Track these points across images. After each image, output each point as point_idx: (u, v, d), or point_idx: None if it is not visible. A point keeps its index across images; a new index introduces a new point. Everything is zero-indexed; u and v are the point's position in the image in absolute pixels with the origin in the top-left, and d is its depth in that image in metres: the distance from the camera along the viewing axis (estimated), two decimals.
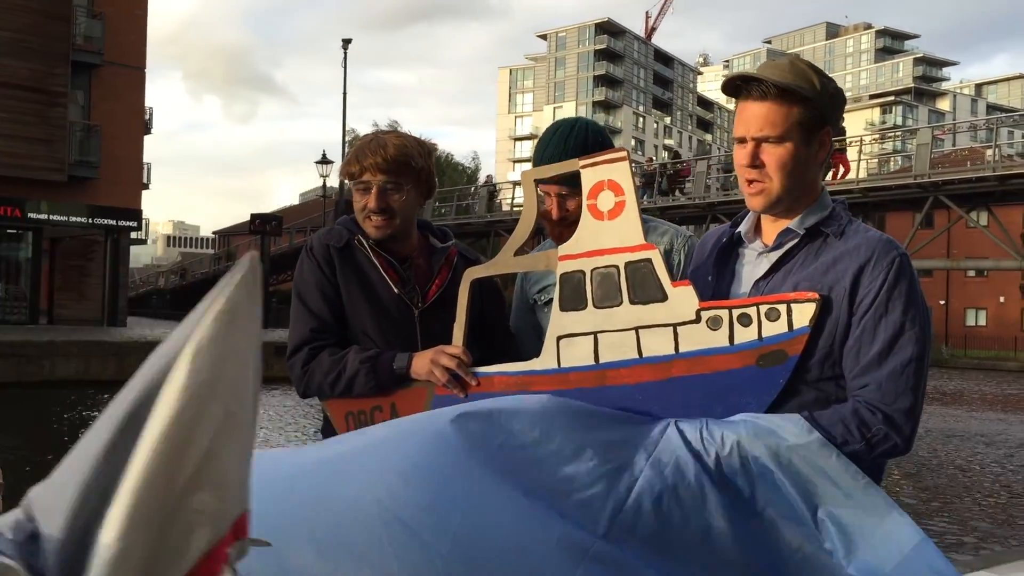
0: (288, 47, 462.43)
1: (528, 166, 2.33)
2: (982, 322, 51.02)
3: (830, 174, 26.89)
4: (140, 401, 0.76)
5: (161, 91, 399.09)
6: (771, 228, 2.01)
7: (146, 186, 35.38)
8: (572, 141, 2.47)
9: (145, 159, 33.44)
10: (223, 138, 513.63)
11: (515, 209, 37.75)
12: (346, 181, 2.51)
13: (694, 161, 37.32)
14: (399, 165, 2.43)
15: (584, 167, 1.94)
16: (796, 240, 1.94)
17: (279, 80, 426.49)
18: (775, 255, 1.96)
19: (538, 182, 2.12)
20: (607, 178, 1.91)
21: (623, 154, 1.91)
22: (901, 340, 1.81)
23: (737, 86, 1.94)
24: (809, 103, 1.90)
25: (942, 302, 51.22)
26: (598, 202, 1.92)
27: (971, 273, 48.43)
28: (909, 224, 27.45)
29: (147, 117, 34.70)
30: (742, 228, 2.06)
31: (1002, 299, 50.31)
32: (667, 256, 2.56)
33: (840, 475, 1.68)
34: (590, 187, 1.93)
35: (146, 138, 33.40)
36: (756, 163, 1.91)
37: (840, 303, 1.83)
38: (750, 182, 1.94)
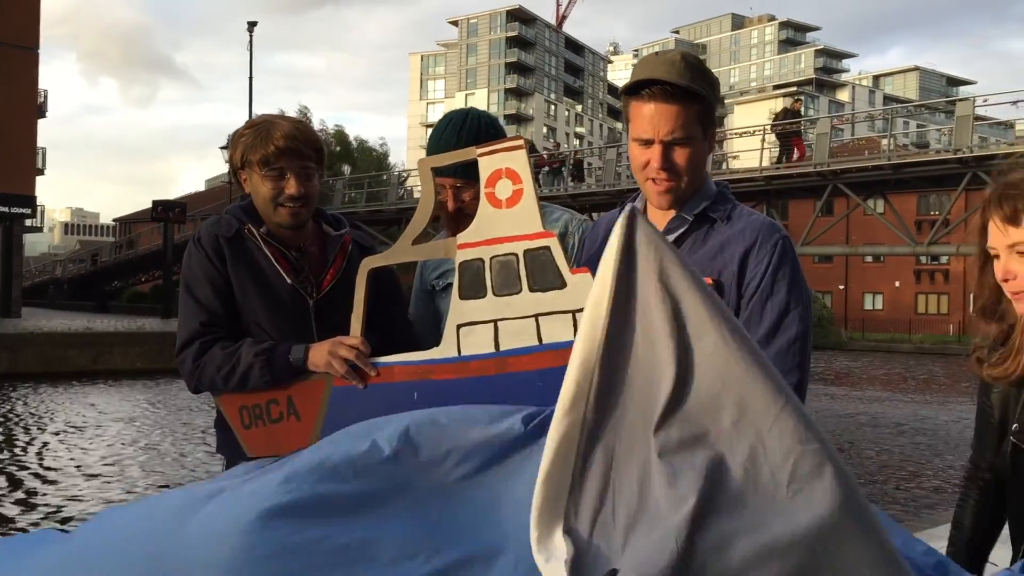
0: (188, 29, 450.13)
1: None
2: (879, 306, 53.01)
3: (784, 156, 27.29)
4: None
5: (54, 73, 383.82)
6: (660, 215, 2.04)
7: (41, 172, 34.05)
8: (465, 131, 2.46)
9: (40, 144, 32.19)
10: (122, 122, 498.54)
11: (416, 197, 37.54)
12: (248, 166, 2.38)
13: (604, 149, 37.73)
14: (315, 150, 2.39)
15: (481, 155, 1.92)
16: (686, 227, 1.97)
17: (180, 63, 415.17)
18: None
19: (435, 171, 2.09)
20: (505, 166, 1.89)
21: (520, 142, 1.90)
22: (786, 320, 1.88)
23: (640, 86, 1.96)
24: (705, 101, 1.95)
25: (841, 287, 53.03)
26: (496, 190, 1.90)
27: (868, 259, 50.23)
28: (810, 211, 28.24)
29: (41, 100, 33.34)
30: None
31: (897, 284, 52.36)
32: (561, 239, 2.59)
33: None
34: (488, 175, 1.91)
35: (40, 122, 32.12)
36: (667, 165, 1.95)
37: (730, 287, 1.88)
38: (656, 181, 1.97)
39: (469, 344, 1.92)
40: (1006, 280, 1.93)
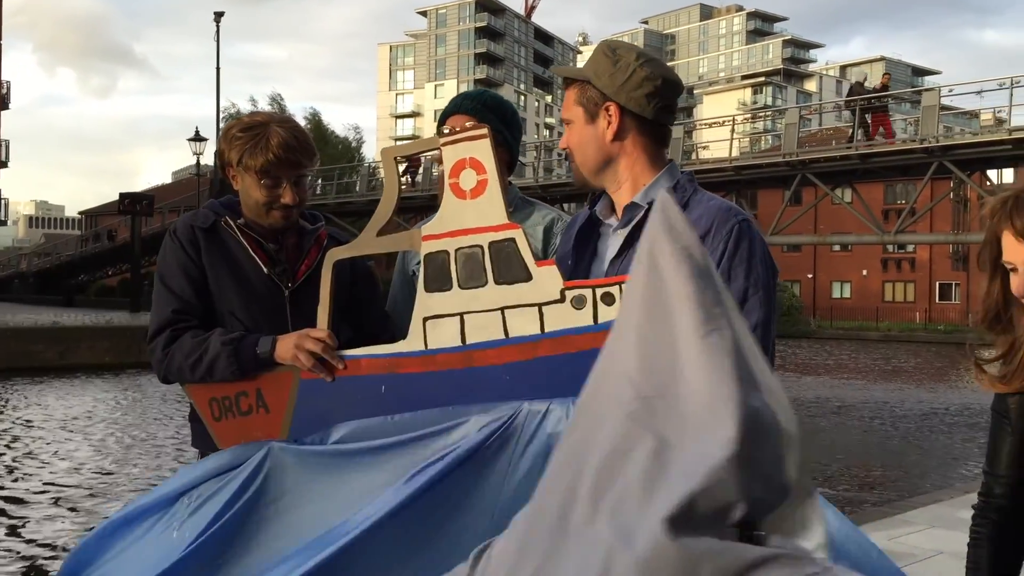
0: (146, 18, 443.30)
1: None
2: (847, 294, 53.51)
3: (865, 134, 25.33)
4: None
5: (12, 64, 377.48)
6: (620, 204, 2.05)
7: (4, 164, 33.54)
8: (486, 97, 2.65)
9: (2, 135, 31.72)
10: (82, 113, 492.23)
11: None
12: (242, 168, 2.36)
13: None
14: (310, 156, 2.40)
15: (445, 144, 1.92)
16: (642, 214, 1.96)
17: (138, 53, 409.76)
18: (625, 231, 2.00)
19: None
20: (469, 156, 1.89)
21: (484, 131, 1.89)
22: (746, 306, 1.86)
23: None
24: (586, 85, 2.00)
25: (810, 275, 53.48)
26: (460, 180, 1.89)
27: (836, 248, 50.70)
28: (779, 201, 28.43)
29: (4, 92, 32.84)
30: (598, 207, 2.09)
31: (865, 272, 52.89)
32: (546, 235, 2.63)
33: None
34: (452, 165, 1.90)
35: (3, 114, 31.63)
36: (563, 145, 2.08)
37: None
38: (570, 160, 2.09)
39: (435, 337, 1.92)
40: None
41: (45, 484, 9.75)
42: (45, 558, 7.12)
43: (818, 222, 44.70)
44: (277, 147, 2.32)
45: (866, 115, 25.52)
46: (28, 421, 14.17)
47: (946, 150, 23.95)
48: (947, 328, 43.94)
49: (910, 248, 49.54)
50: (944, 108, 26.49)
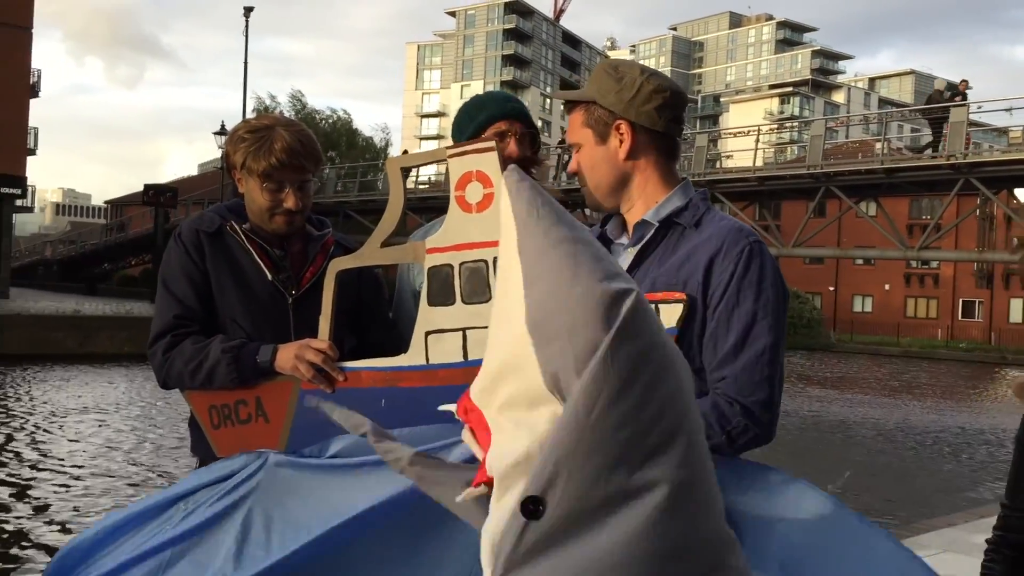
0: (174, 9, 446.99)
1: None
2: (868, 308, 53.12)
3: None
4: None
5: (42, 52, 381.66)
6: (631, 222, 2.01)
7: (32, 151, 33.84)
8: (514, 102, 2.57)
9: (31, 123, 31.99)
10: (109, 103, 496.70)
11: (419, 187, 37.46)
12: (246, 171, 2.34)
13: None
14: (315, 162, 2.37)
15: (451, 156, 1.88)
16: (652, 232, 1.93)
17: (166, 44, 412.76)
18: (635, 250, 1.96)
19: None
20: (475, 168, 1.85)
21: (491, 144, 1.86)
22: (754, 331, 1.81)
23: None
24: (592, 106, 1.95)
25: (831, 288, 53.15)
26: (466, 193, 1.86)
27: (859, 261, 50.32)
28: (803, 212, 28.24)
29: (34, 80, 33.13)
30: (608, 226, 2.05)
31: (887, 287, 52.48)
32: None
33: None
34: (458, 178, 1.87)
35: (32, 102, 31.91)
36: (572, 169, 2.02)
37: (695, 296, 1.82)
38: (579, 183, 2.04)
39: (437, 352, 1.89)
40: None
41: (51, 471, 9.80)
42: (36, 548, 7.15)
43: (841, 235, 44.44)
44: (281, 151, 2.29)
45: (943, 124, 24.51)
46: (43, 408, 14.27)
47: (973, 167, 23.69)
48: (969, 346, 43.56)
49: (934, 264, 49.12)
50: (973, 124, 26.19)
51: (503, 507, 1.04)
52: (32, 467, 10.10)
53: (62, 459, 10.53)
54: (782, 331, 1.86)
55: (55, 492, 8.98)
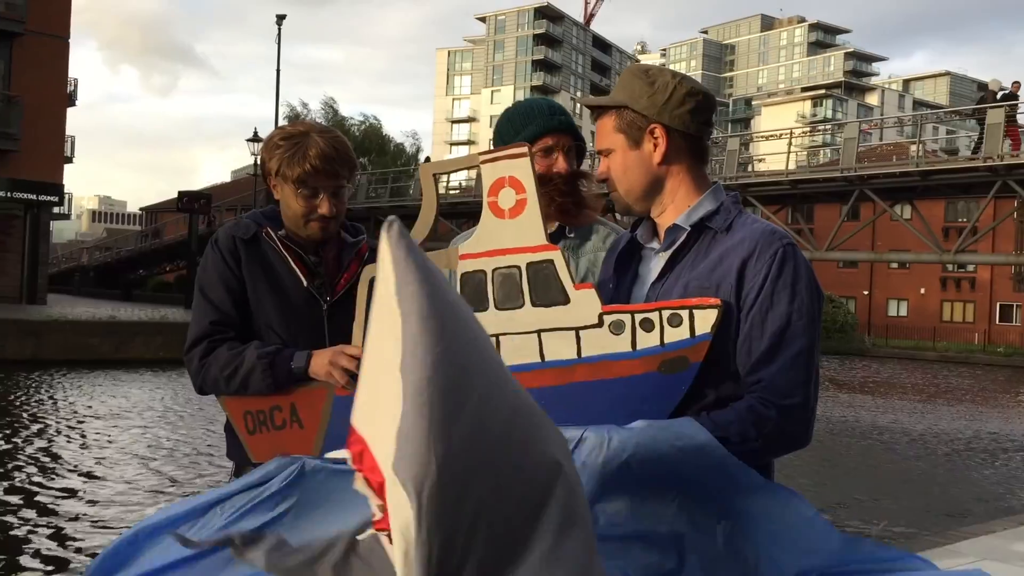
0: (207, 18, 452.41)
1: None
2: (903, 312, 52.48)
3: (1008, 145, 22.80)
4: None
5: (77, 61, 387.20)
6: (663, 227, 2.00)
7: (69, 160, 34.32)
8: (561, 115, 2.54)
9: (68, 132, 32.45)
10: (144, 111, 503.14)
11: (450, 192, 37.57)
12: (281, 178, 2.36)
13: None
14: (349, 168, 2.39)
15: (484, 162, 1.88)
16: (684, 237, 1.92)
17: (199, 52, 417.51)
18: (667, 255, 1.95)
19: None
20: (508, 175, 1.85)
21: (524, 150, 1.86)
22: (788, 333, 1.79)
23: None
24: (624, 111, 1.95)
25: (866, 292, 52.58)
26: (499, 199, 1.86)
27: (894, 265, 49.71)
28: (836, 216, 27.99)
29: (71, 89, 33.62)
30: (639, 231, 2.05)
31: (923, 291, 51.82)
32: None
33: (738, 474, 1.67)
34: (490, 184, 1.87)
35: (69, 111, 32.38)
36: (602, 175, 2.03)
37: (728, 300, 1.81)
38: (608, 189, 2.05)
39: None
40: None
41: (84, 477, 9.92)
42: (78, 552, 7.24)
43: (876, 238, 43.93)
44: (315, 157, 2.31)
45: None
46: (77, 412, 14.46)
47: (1011, 169, 23.33)
48: (1007, 350, 42.87)
49: (970, 267, 48.42)
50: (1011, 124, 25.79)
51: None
52: (73, 471, 10.23)
53: (98, 461, 10.66)
54: (817, 333, 1.85)
55: (87, 496, 9.08)
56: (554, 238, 1.91)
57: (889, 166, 27.01)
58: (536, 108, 2.56)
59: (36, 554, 7.20)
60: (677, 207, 1.97)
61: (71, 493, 9.20)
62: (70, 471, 10.25)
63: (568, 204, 2.46)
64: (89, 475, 10.00)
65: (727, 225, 1.90)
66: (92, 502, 8.85)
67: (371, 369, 1.11)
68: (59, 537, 7.64)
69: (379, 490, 1.11)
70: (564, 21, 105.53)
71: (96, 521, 8.16)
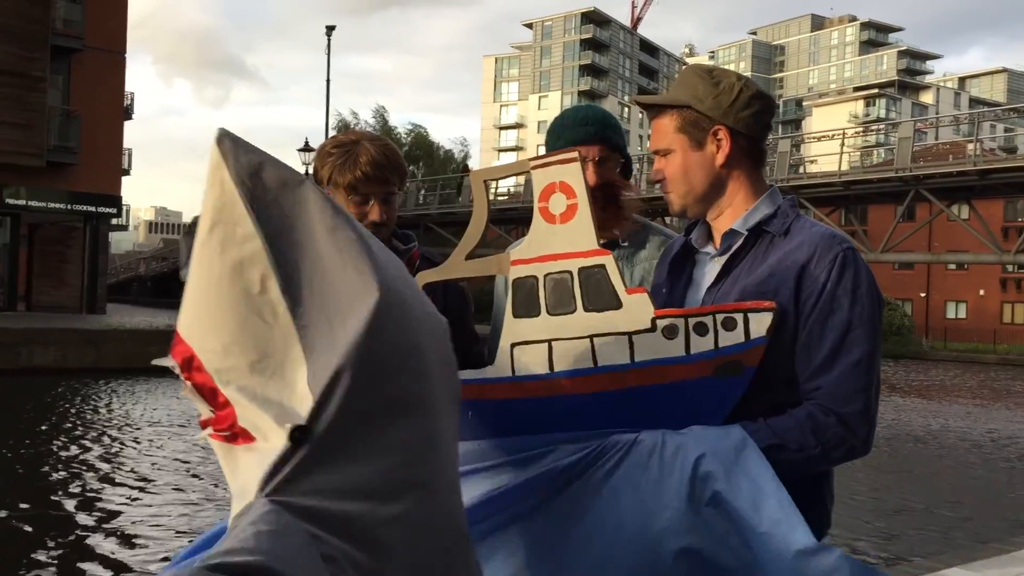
0: (257, 31, 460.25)
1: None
2: (962, 315, 51.39)
3: None
4: None
5: (133, 75, 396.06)
6: (719, 231, 1.98)
7: (127, 172, 35.11)
8: (590, 125, 2.50)
9: (125, 144, 33.17)
10: (197, 123, 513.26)
11: (498, 198, 37.66)
12: (333, 185, 2.39)
13: None
14: (400, 175, 2.41)
15: (535, 168, 1.88)
16: (741, 241, 1.90)
17: (250, 65, 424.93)
18: (724, 259, 1.93)
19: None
20: (559, 180, 1.85)
21: (574, 155, 1.85)
22: (849, 339, 1.76)
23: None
24: (686, 110, 1.92)
25: (923, 295, 51.59)
26: (550, 205, 1.85)
27: (952, 266, 48.77)
28: (891, 217, 27.53)
29: (127, 102, 34.39)
30: (693, 235, 2.03)
31: (982, 292, 50.70)
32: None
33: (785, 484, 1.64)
34: (541, 189, 1.86)
35: (126, 124, 33.11)
36: (658, 176, 1.99)
37: (787, 305, 1.78)
38: (663, 189, 2.02)
39: (523, 364, 1.88)
40: None
41: (142, 482, 10.10)
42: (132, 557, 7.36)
43: (932, 239, 43.09)
44: (366, 164, 2.33)
45: None
46: (132, 420, 14.73)
47: None
48: None
49: None
50: None
51: (267, 448, 1.12)
52: (131, 474, 10.43)
53: (154, 466, 10.85)
54: (878, 340, 1.82)
55: (143, 501, 9.25)
56: (608, 247, 1.89)
57: (945, 165, 26.50)
58: (568, 119, 2.56)
59: (96, 557, 7.35)
60: (735, 211, 1.94)
61: (128, 498, 9.37)
62: (127, 475, 10.46)
63: (600, 216, 2.44)
64: (145, 479, 10.18)
65: (785, 229, 1.87)
66: (148, 506, 9.01)
67: (198, 277, 1.23)
68: (121, 540, 7.79)
69: (209, 396, 1.23)
70: (611, 25, 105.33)
71: (155, 525, 8.30)
